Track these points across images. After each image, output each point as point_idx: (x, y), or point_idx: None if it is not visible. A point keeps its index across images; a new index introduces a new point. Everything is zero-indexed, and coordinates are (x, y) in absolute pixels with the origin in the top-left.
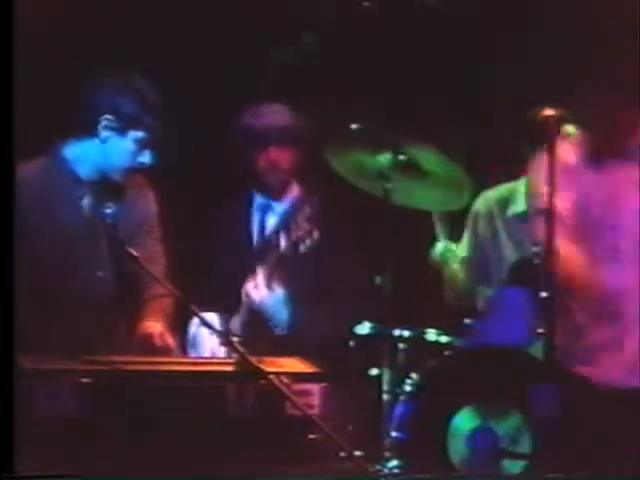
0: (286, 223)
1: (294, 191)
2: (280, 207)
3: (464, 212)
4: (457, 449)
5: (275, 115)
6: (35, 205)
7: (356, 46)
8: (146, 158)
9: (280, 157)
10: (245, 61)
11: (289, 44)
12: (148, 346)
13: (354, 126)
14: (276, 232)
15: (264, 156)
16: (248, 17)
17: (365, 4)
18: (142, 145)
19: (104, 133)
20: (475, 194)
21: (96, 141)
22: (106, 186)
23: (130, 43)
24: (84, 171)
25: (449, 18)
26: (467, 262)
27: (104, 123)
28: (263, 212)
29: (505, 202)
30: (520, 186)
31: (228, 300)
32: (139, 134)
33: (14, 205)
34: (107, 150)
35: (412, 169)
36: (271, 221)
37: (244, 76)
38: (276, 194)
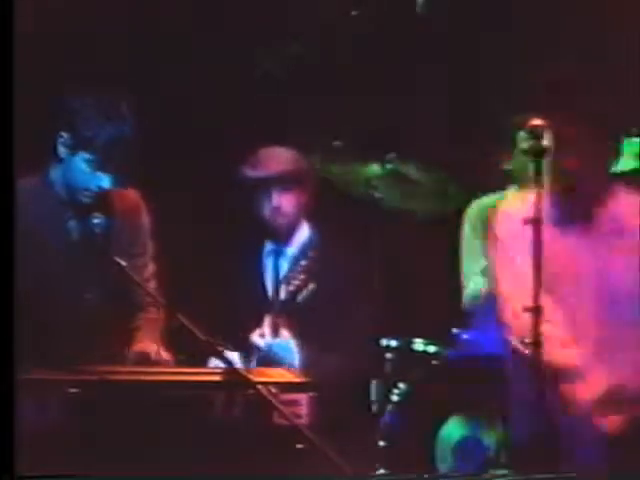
0: (294, 267)
1: (303, 233)
2: (290, 251)
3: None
4: (444, 458)
5: (274, 160)
6: (26, 223)
7: (343, 55)
8: (104, 182)
9: (284, 202)
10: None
11: (274, 55)
12: (139, 356)
13: (336, 143)
14: (285, 276)
15: (268, 203)
16: (233, 31)
17: (353, 13)
18: (95, 167)
19: (61, 150)
20: (460, 202)
21: (58, 160)
22: (93, 204)
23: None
24: (62, 192)
25: (437, 28)
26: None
27: (60, 140)
28: (275, 257)
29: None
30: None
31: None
32: (89, 155)
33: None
34: (67, 169)
35: (399, 178)
36: (282, 265)
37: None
38: (284, 238)
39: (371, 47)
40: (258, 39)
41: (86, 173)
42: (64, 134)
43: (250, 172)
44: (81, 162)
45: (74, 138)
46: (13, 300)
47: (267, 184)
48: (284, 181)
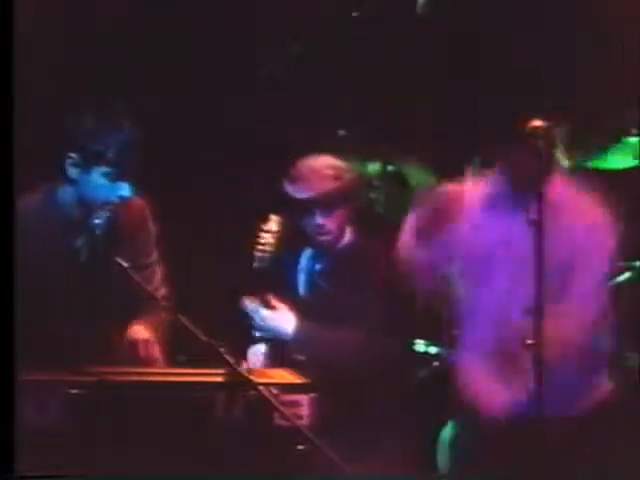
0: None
1: (347, 237)
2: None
3: None
4: (445, 461)
5: (317, 178)
6: (31, 239)
7: (345, 56)
8: (124, 190)
9: (328, 221)
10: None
11: (277, 55)
12: (134, 356)
13: (341, 132)
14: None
15: (310, 222)
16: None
17: (354, 14)
18: (114, 178)
19: (72, 171)
20: None
21: (69, 179)
22: (103, 219)
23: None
24: (75, 211)
25: (438, 27)
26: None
27: (69, 161)
28: (313, 261)
29: None
30: None
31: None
32: (105, 168)
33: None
34: (83, 188)
35: (399, 181)
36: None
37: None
38: (328, 249)
39: (371, 47)
40: (260, 40)
41: (105, 186)
42: (73, 154)
43: (292, 191)
44: (98, 177)
45: (85, 156)
46: (14, 301)
47: (311, 205)
48: (328, 202)
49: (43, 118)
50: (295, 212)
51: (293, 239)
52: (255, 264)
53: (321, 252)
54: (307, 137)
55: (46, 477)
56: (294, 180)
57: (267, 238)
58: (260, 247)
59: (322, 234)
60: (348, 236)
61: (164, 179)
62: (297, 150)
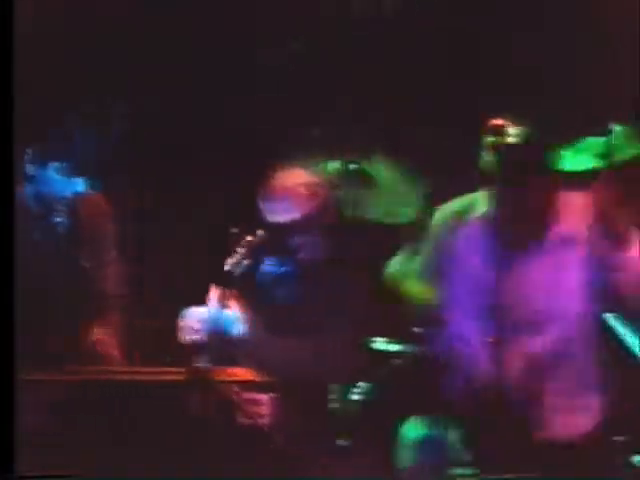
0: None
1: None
2: None
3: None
4: (405, 458)
5: (291, 204)
6: None
7: (345, 56)
8: (79, 186)
9: (304, 240)
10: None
11: (277, 55)
12: (95, 354)
13: (316, 131)
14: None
15: (287, 242)
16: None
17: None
18: (69, 174)
19: (29, 168)
20: (427, 206)
21: (28, 177)
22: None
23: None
24: (35, 206)
25: (410, 28)
26: (424, 276)
27: (26, 157)
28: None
29: (465, 211)
30: (481, 195)
31: None
32: (60, 164)
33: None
34: (40, 183)
35: (362, 178)
36: None
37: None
38: (304, 261)
39: (349, 47)
40: (260, 40)
41: (60, 182)
42: (29, 151)
43: (267, 213)
44: (53, 172)
45: (41, 152)
46: (13, 301)
47: (287, 229)
48: (305, 224)
49: (44, 118)
50: (271, 234)
51: (268, 250)
52: (226, 268)
53: (295, 262)
54: (307, 137)
55: (46, 477)
56: (268, 201)
57: (242, 243)
58: (233, 253)
59: (299, 251)
60: (325, 244)
61: (164, 179)
62: (297, 150)
